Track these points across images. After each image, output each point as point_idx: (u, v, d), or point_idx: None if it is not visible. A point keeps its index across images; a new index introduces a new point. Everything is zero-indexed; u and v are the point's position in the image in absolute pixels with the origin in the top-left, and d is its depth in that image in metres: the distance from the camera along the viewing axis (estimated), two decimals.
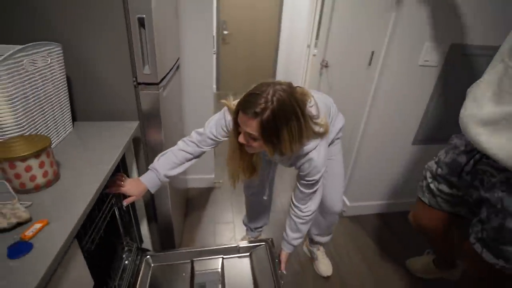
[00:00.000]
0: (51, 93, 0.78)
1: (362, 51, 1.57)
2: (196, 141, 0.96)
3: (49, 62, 0.75)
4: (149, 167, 0.95)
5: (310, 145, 0.87)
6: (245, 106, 0.74)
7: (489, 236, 0.83)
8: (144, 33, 0.88)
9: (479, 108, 0.81)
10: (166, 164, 0.94)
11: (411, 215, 1.20)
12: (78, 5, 0.82)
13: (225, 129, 0.94)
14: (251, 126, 0.74)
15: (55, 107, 0.81)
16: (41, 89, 0.73)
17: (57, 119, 0.82)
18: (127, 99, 0.97)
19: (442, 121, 1.58)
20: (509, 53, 0.76)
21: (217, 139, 0.96)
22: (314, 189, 0.97)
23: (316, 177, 0.92)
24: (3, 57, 0.59)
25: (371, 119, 1.55)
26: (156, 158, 0.96)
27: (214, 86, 4.06)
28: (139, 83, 0.95)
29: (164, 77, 1.05)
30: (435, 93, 1.50)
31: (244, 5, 3.69)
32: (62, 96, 0.84)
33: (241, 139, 0.82)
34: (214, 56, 3.53)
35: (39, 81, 0.72)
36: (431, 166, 1.08)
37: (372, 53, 1.48)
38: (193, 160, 1.00)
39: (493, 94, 0.78)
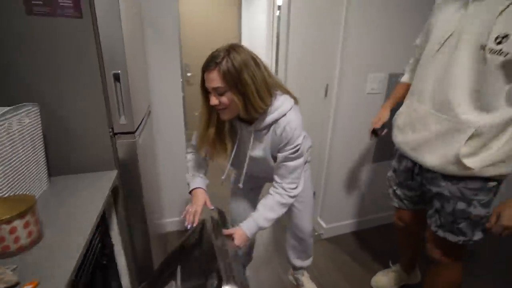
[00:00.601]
0: (29, 152, 0.79)
1: (318, 84, 1.76)
2: (194, 149, 1.11)
3: (26, 122, 0.77)
4: (190, 177, 1.09)
5: (285, 104, 0.90)
6: (206, 64, 0.82)
7: (447, 220, 1.01)
8: (119, 86, 0.94)
9: (406, 136, 1.08)
10: (196, 167, 1.11)
11: (395, 219, 1.36)
12: (56, 66, 0.87)
13: None
14: (215, 78, 0.80)
15: (32, 165, 0.81)
16: (20, 149, 0.74)
17: (33, 176, 0.82)
18: (104, 150, 0.99)
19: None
20: (412, 92, 1.08)
21: None
22: (299, 161, 0.96)
23: (299, 141, 0.92)
24: None
25: (334, 145, 1.70)
26: (189, 171, 1.12)
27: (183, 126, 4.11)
28: (115, 133, 0.99)
29: (139, 125, 1.10)
30: None
31: (204, 47, 3.90)
32: (39, 154, 0.84)
33: (212, 101, 0.85)
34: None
35: (18, 141, 0.73)
36: (391, 176, 1.26)
37: (327, 85, 1.67)
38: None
39: (409, 124, 1.07)
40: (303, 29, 1.97)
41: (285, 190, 0.98)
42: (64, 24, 0.83)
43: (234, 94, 0.83)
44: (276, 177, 1.01)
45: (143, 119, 1.20)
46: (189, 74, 4.00)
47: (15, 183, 0.73)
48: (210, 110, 0.91)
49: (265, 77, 0.85)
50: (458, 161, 0.91)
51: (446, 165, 0.94)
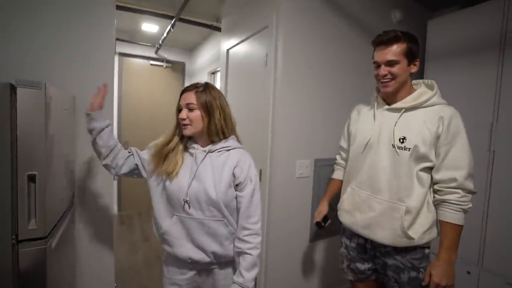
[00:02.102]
0: None
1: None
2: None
3: None
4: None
5: (237, 144, 1.07)
6: (186, 88, 1.02)
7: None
8: (34, 187, 0.87)
9: (354, 218, 1.22)
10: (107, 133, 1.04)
11: None
12: None
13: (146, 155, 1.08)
14: (190, 97, 0.99)
15: None
16: None
17: None
18: (1, 262, 0.84)
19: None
20: (350, 182, 1.27)
21: (134, 155, 1.07)
22: (254, 190, 1.02)
23: (254, 173, 1.03)
24: None
25: (270, 226, 1.73)
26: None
27: (115, 207, 3.75)
28: (19, 241, 0.86)
29: (55, 226, 0.99)
30: (315, 197, 1.86)
31: (144, 126, 3.91)
32: None
33: (182, 114, 0.99)
34: (115, 181, 3.39)
35: None
36: (343, 252, 1.35)
37: (261, 170, 1.79)
38: (112, 150, 1.04)
39: (355, 208, 1.21)
40: (239, 114, 2.14)
41: (248, 229, 0.99)
42: None
43: (203, 112, 0.99)
44: (240, 224, 1.01)
45: (62, 216, 1.09)
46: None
47: None
48: (175, 130, 1.06)
49: (230, 114, 1.06)
50: (404, 234, 1.08)
51: (396, 238, 1.10)
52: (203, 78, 3.57)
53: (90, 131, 1.01)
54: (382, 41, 1.13)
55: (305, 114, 1.78)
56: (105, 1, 1.49)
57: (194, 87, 1.01)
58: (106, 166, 1.06)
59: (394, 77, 1.11)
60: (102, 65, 1.50)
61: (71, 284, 1.35)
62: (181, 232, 0.99)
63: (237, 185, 1.01)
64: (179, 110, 1.03)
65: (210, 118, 1.00)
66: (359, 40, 1.97)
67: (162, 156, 1.02)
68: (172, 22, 2.72)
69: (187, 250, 0.99)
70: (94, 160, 1.54)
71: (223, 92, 2.37)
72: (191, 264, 1.03)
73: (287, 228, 1.79)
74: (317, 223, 1.43)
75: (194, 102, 0.99)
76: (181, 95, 1.03)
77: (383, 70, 1.12)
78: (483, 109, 1.75)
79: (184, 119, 0.99)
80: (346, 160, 1.38)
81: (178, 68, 4.06)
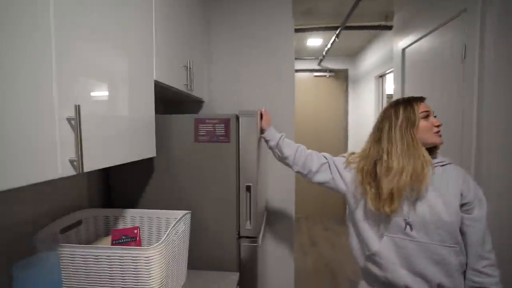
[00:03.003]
0: (183, 251, 0.96)
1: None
2: (317, 157, 1.09)
3: (184, 228, 0.96)
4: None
5: (448, 159, 0.96)
6: (418, 98, 0.93)
7: None
8: (249, 196, 1.09)
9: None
10: (288, 142, 1.14)
11: None
12: (207, 181, 1.10)
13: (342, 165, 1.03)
14: (428, 107, 0.92)
15: (182, 261, 0.97)
16: (182, 248, 0.92)
17: (181, 271, 0.97)
18: (229, 251, 1.11)
19: None
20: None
21: (332, 169, 1.03)
22: (484, 216, 0.87)
23: (481, 192, 0.90)
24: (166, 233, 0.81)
25: None
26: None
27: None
28: (240, 236, 1.10)
29: (260, 230, 1.20)
30: None
31: (311, 136, 4.12)
32: (186, 252, 1.02)
33: (436, 122, 0.90)
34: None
35: (181, 242, 0.92)
36: None
37: None
38: (297, 158, 1.09)
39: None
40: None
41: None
42: (217, 147, 1.09)
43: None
44: (476, 253, 0.86)
45: (263, 223, 1.31)
46: None
47: (169, 277, 0.88)
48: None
49: None
50: None
51: None
52: (368, 83, 3.38)
53: (271, 148, 1.16)
54: None
55: None
56: (286, 29, 1.71)
57: (419, 99, 0.94)
58: (299, 174, 1.11)
59: None
60: (284, 86, 1.74)
61: (269, 276, 1.60)
62: (395, 257, 0.88)
63: (463, 205, 0.86)
64: (415, 120, 0.90)
65: None
66: None
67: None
68: (337, 32, 2.75)
69: (402, 276, 0.88)
70: (280, 169, 1.77)
71: (400, 96, 2.12)
72: None
73: None
74: None
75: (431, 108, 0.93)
76: (413, 105, 0.91)
77: None
78: None
79: (440, 125, 0.91)
80: None
81: (341, 76, 4.05)
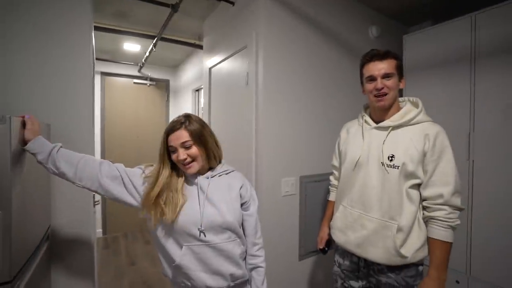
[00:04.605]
0: None
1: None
2: (103, 165, 0.98)
3: None
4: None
5: (231, 167, 1.12)
6: (172, 127, 0.98)
7: None
8: None
9: (347, 236, 1.21)
10: (67, 153, 0.98)
11: None
12: None
13: (139, 180, 0.99)
14: (183, 135, 0.96)
15: None
16: None
17: None
18: None
19: (315, 235, 1.89)
20: (342, 200, 1.26)
21: (123, 177, 0.97)
22: (256, 211, 1.09)
23: (254, 192, 1.12)
24: None
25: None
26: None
27: (100, 230, 3.62)
28: None
29: (22, 267, 0.93)
30: (302, 213, 1.84)
31: (129, 145, 3.84)
32: None
33: (181, 155, 0.95)
34: (98, 205, 3.29)
35: None
36: (336, 271, 1.33)
37: None
38: (80, 174, 0.96)
39: (348, 226, 1.22)
40: (223, 132, 2.14)
41: (256, 246, 1.08)
42: None
43: (199, 147, 0.98)
44: (250, 241, 1.06)
45: (32, 254, 1.03)
46: None
47: None
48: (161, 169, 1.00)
49: (217, 140, 1.07)
50: (397, 252, 1.07)
51: (389, 257, 1.09)
52: (187, 96, 3.57)
53: (41, 163, 0.95)
54: (377, 54, 1.15)
55: (288, 132, 1.78)
56: (82, 21, 1.47)
57: (180, 123, 0.98)
58: (86, 188, 0.98)
59: (389, 91, 1.13)
60: (80, 88, 1.47)
61: None
62: (194, 263, 0.95)
63: (242, 204, 1.06)
64: (167, 153, 1.00)
65: (207, 148, 1.00)
66: (339, 56, 2.01)
67: (157, 204, 0.94)
68: (154, 42, 2.72)
69: (203, 279, 0.96)
70: (73, 188, 1.48)
71: (207, 110, 2.36)
72: None
73: (275, 248, 1.75)
74: (321, 250, 1.44)
75: (188, 138, 0.97)
76: (167, 136, 0.98)
77: (380, 83, 1.12)
78: (460, 119, 1.80)
79: (185, 159, 0.96)
80: (339, 179, 1.38)
81: (162, 86, 4.04)
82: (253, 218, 1.07)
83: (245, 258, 1.07)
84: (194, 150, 0.97)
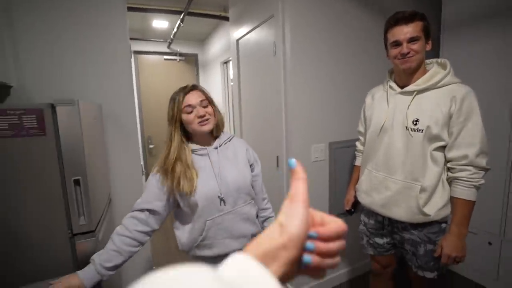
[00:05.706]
0: None
1: (269, 155, 1.96)
2: (140, 221, 0.95)
3: None
4: (102, 252, 0.89)
5: (231, 133, 1.18)
6: (184, 88, 1.02)
7: (422, 261, 1.20)
8: (79, 190, 1.01)
9: (372, 198, 1.29)
10: (104, 253, 0.87)
11: (372, 264, 1.50)
12: (16, 178, 0.93)
13: (162, 188, 0.97)
14: (199, 94, 1.02)
15: None
16: None
17: None
18: (62, 252, 1.01)
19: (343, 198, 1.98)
20: (367, 164, 1.33)
21: (160, 204, 0.97)
22: (260, 171, 1.18)
23: (256, 155, 1.18)
24: None
25: None
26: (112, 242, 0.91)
27: None
28: (74, 234, 1.02)
29: (99, 221, 1.15)
30: (331, 178, 1.92)
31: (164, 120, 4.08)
32: None
33: (200, 112, 0.99)
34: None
35: None
36: (362, 229, 1.43)
37: (277, 157, 1.87)
38: (135, 248, 0.93)
39: (373, 188, 1.29)
40: (253, 102, 2.24)
41: (267, 205, 1.21)
42: (27, 142, 0.93)
43: (211, 104, 1.05)
44: (260, 197, 1.17)
45: (103, 213, 1.25)
46: (151, 146, 4.09)
47: None
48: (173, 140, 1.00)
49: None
50: (420, 211, 1.13)
51: (412, 216, 1.16)
52: (216, 69, 3.64)
53: (106, 276, 0.88)
54: (402, 17, 1.10)
55: (317, 99, 1.82)
56: (116, 5, 1.59)
57: (193, 86, 1.04)
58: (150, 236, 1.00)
59: (415, 54, 1.10)
60: (122, 69, 1.62)
61: None
62: (218, 233, 1.00)
63: (249, 166, 1.13)
64: (178, 115, 1.00)
65: (215, 111, 1.06)
66: (368, 20, 1.93)
67: (174, 173, 0.95)
68: (181, 17, 2.78)
69: (228, 245, 1.02)
70: (124, 161, 1.70)
71: (236, 82, 2.44)
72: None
73: None
74: (348, 211, 1.54)
75: (204, 97, 1.02)
76: (184, 96, 1.00)
77: (406, 48, 1.10)
78: (505, 87, 1.65)
79: (204, 115, 0.99)
80: (364, 145, 1.42)
81: (191, 60, 4.14)
82: (259, 177, 1.17)
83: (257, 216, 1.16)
84: (210, 109, 1.03)
